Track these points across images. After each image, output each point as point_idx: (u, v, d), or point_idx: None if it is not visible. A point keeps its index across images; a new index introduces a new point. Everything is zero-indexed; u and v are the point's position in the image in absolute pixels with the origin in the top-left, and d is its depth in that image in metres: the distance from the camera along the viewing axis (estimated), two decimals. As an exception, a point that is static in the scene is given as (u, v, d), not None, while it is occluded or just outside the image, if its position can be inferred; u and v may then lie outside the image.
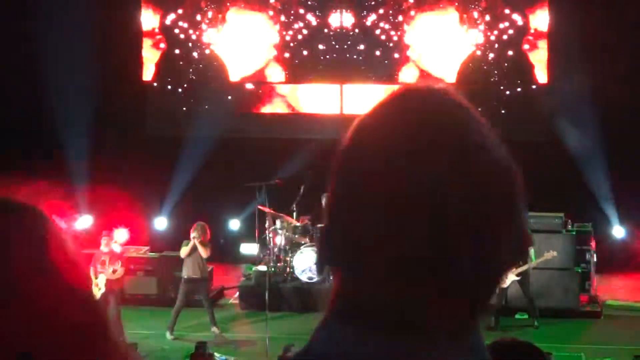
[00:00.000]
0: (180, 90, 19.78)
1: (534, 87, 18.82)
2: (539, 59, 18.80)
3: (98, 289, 13.96)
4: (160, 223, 19.52)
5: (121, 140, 18.99)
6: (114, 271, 14.20)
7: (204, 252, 14.78)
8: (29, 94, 18.81)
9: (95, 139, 18.55)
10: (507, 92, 18.97)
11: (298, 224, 16.64)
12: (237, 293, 16.74)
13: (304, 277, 16.22)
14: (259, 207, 16.44)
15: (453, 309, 1.21)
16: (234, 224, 19.42)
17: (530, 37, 18.77)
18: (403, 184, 1.19)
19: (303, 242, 16.49)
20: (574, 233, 16.28)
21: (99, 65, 18.40)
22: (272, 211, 16.57)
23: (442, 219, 1.18)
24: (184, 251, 15.00)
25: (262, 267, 16.23)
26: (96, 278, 13.98)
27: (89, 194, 19.13)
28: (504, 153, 1.27)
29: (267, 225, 16.78)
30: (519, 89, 18.93)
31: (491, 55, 18.84)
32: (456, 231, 1.18)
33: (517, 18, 18.74)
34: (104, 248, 14.40)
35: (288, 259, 16.53)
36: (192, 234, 14.92)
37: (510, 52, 18.85)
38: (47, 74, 18.43)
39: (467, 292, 1.21)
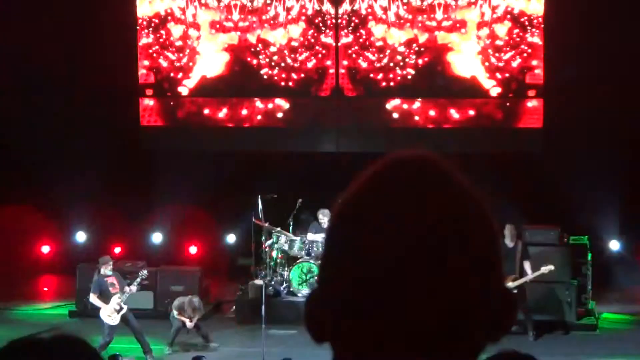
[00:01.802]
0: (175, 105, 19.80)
1: (529, 95, 18.84)
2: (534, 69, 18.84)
3: (118, 309, 14.01)
4: (157, 237, 19.54)
5: (116, 155, 18.98)
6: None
7: (188, 324, 14.74)
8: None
9: (90, 151, 18.54)
10: (503, 103, 19.01)
11: (294, 237, 16.66)
12: (234, 307, 16.74)
13: (300, 292, 16.25)
14: (255, 221, 16.45)
15: None
16: (230, 238, 19.44)
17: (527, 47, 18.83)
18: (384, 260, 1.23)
19: (299, 256, 16.51)
20: (570, 246, 16.31)
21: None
22: (268, 225, 16.57)
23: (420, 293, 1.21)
24: None
25: (259, 281, 16.23)
26: (108, 303, 14.03)
27: (86, 209, 19.14)
28: (484, 216, 1.31)
29: (263, 239, 16.79)
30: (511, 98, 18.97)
31: (487, 64, 18.86)
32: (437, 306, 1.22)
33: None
34: (108, 272, 14.32)
35: (284, 273, 16.56)
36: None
37: (504, 59, 18.89)
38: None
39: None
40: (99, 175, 18.35)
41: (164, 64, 19.62)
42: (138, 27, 19.45)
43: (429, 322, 1.23)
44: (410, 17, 18.82)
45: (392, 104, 19.04)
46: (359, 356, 1.27)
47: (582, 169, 17.23)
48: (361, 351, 1.26)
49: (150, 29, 19.53)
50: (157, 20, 19.52)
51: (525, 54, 18.79)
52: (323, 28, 19.15)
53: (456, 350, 1.25)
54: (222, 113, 19.68)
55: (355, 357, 1.28)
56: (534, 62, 18.78)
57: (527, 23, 18.74)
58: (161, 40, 19.56)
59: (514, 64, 18.85)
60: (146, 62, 19.66)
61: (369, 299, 1.24)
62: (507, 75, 18.88)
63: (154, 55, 19.62)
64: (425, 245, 1.23)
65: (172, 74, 19.64)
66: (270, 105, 19.48)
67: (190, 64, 19.61)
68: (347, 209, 1.30)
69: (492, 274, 1.28)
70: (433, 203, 1.27)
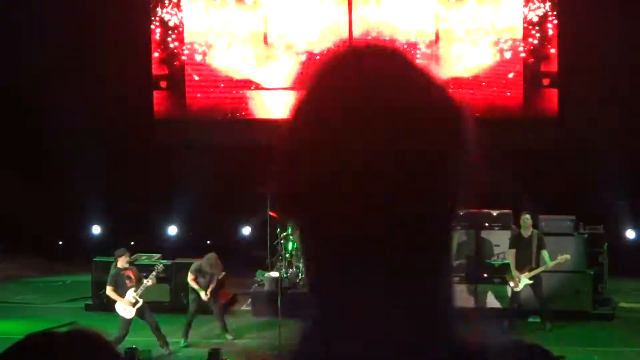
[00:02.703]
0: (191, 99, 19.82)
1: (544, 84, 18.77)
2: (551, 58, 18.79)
3: (134, 302, 14.06)
4: (172, 230, 19.58)
5: (132, 148, 19.03)
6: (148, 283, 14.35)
7: (203, 295, 14.77)
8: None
9: (107, 148, 18.59)
10: (517, 93, 18.96)
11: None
12: (249, 300, 16.75)
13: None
14: (270, 213, 16.43)
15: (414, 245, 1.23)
16: (246, 230, 19.45)
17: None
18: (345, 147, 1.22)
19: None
20: (585, 236, 16.24)
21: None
22: (283, 217, 16.56)
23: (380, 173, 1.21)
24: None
25: (274, 274, 16.23)
26: (124, 297, 14.08)
27: (101, 202, 19.20)
28: (448, 102, 1.31)
29: (278, 231, 16.79)
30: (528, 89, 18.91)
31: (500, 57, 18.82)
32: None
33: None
34: (124, 265, 14.33)
35: (299, 264, 16.54)
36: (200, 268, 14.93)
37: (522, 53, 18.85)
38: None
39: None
40: (114, 168, 18.40)
41: (180, 56, 19.64)
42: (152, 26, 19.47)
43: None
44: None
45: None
46: (326, 229, 1.28)
47: (597, 158, 17.16)
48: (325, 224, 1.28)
49: (166, 22, 19.55)
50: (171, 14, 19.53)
51: (538, 44, 18.72)
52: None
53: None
54: (238, 105, 19.68)
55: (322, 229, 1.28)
56: (552, 51, 18.72)
57: (541, 14, 18.68)
58: (175, 32, 19.57)
59: (529, 53, 18.78)
60: (156, 55, 19.69)
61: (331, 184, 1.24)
62: (521, 63, 18.82)
63: (169, 47, 19.64)
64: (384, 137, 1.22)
65: (186, 65, 19.66)
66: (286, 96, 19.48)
67: (207, 50, 19.63)
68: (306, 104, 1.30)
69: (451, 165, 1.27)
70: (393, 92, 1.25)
